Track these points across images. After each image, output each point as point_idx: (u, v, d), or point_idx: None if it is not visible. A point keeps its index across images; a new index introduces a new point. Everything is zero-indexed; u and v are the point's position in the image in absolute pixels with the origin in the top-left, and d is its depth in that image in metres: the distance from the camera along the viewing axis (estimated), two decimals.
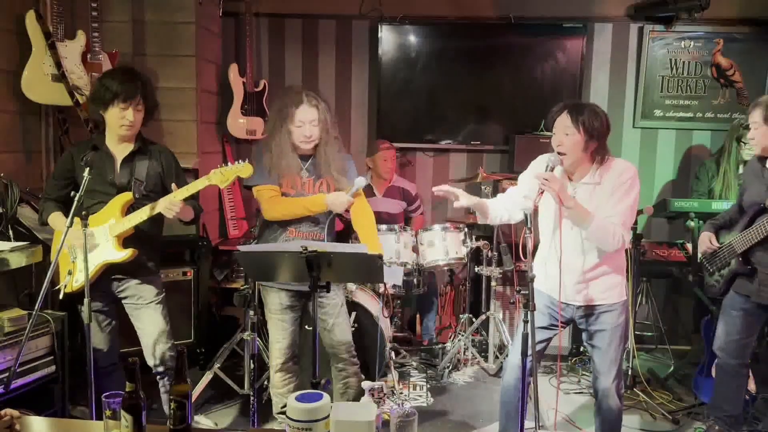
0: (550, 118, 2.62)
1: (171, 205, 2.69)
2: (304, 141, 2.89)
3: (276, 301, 2.97)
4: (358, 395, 2.82)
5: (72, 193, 2.59)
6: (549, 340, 2.76)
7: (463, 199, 2.57)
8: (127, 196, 2.79)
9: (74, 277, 2.76)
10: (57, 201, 2.85)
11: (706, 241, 3.15)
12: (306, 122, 2.87)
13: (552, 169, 2.51)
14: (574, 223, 2.53)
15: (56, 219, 2.80)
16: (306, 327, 3.03)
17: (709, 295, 3.27)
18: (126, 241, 2.79)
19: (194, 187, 2.72)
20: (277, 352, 3.01)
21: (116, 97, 2.74)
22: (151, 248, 2.95)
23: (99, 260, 2.76)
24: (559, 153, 2.54)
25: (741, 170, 3.98)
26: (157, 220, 2.88)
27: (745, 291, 2.96)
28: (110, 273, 2.85)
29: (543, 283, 2.67)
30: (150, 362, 2.92)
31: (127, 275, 2.89)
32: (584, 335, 2.73)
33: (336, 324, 2.99)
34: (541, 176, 2.46)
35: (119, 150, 2.87)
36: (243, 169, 2.68)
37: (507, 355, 4.04)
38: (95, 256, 2.76)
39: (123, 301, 2.94)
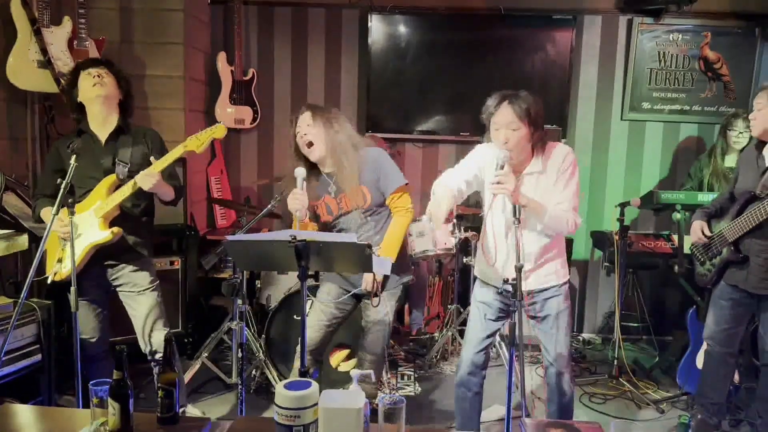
0: (487, 112, 2.53)
1: (147, 175, 2.66)
2: (305, 147, 2.84)
3: (324, 292, 2.99)
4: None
5: (59, 180, 2.57)
6: (498, 330, 2.82)
7: None
8: (111, 179, 2.77)
9: (63, 264, 2.74)
10: (49, 197, 2.81)
11: (698, 231, 3.09)
12: (302, 126, 2.85)
13: (502, 167, 2.39)
14: (531, 215, 2.49)
15: (48, 214, 2.73)
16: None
17: (700, 284, 3.25)
18: (114, 224, 2.77)
19: (172, 156, 2.71)
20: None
21: (82, 68, 2.81)
22: (143, 233, 2.92)
23: (85, 243, 2.74)
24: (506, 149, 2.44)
25: (729, 159, 4.01)
26: (147, 204, 2.87)
27: (734, 280, 2.96)
28: (103, 259, 2.83)
29: (490, 276, 2.69)
30: (145, 349, 2.91)
31: (120, 261, 2.87)
32: (532, 322, 2.72)
33: (368, 332, 2.99)
34: (494, 180, 2.38)
35: (102, 132, 2.86)
36: (217, 130, 2.70)
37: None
38: (82, 240, 2.73)
39: (117, 289, 2.92)
